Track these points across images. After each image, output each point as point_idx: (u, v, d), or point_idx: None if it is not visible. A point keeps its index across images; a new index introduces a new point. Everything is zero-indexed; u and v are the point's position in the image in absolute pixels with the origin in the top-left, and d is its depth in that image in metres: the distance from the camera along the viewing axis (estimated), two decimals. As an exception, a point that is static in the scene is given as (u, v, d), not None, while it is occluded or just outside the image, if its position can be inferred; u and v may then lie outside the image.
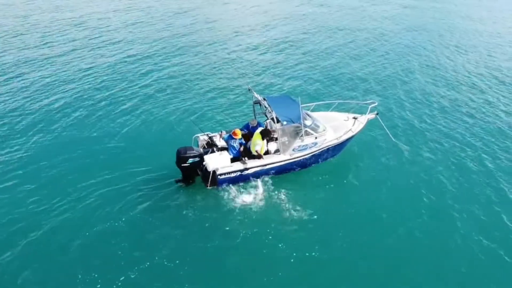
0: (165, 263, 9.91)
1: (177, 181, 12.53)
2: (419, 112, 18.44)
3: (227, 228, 11.08)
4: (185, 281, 9.50)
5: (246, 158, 12.26)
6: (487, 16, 37.63)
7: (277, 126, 12.22)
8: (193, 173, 12.50)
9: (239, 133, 12.15)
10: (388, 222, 11.61)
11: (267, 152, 12.91)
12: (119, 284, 9.31)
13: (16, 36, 25.91)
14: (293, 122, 12.16)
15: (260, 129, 12.51)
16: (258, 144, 12.28)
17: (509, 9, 40.79)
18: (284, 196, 12.32)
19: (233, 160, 12.28)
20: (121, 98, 18.35)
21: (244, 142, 12.35)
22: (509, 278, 10.13)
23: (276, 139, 12.61)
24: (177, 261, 9.97)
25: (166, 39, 26.81)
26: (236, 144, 12.24)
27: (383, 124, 14.62)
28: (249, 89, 13.11)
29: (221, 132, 13.06)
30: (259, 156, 12.38)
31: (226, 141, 12.57)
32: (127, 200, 11.82)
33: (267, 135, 12.45)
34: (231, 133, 12.40)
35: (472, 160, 14.74)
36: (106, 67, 21.81)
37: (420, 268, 10.21)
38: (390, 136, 14.72)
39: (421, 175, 13.74)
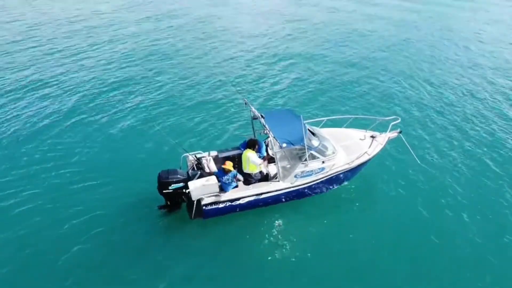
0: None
1: (159, 208, 10.86)
2: (451, 131, 15.88)
3: (211, 265, 9.43)
4: None
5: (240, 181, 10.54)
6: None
7: (275, 148, 10.27)
8: (178, 198, 10.79)
9: (230, 165, 10.20)
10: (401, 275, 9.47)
11: (266, 178, 11.02)
12: None
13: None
14: (293, 145, 10.17)
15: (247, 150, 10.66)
16: (251, 157, 10.42)
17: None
18: (279, 230, 10.47)
19: None
20: (104, 110, 16.48)
21: (236, 173, 10.38)
22: None
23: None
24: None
25: (156, 47, 24.51)
26: (230, 180, 10.30)
27: (407, 144, 12.37)
28: (245, 103, 11.18)
29: (209, 152, 11.29)
30: (262, 174, 10.75)
31: (218, 177, 10.52)
32: (101, 227, 10.29)
33: (254, 145, 10.63)
34: (220, 168, 10.34)
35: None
36: (87, 75, 19.84)
37: None
38: (416, 158, 12.44)
39: (452, 212, 11.43)
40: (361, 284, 9.15)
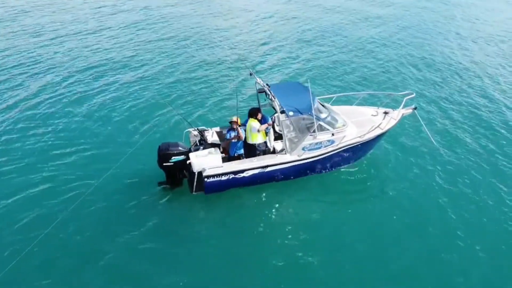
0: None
1: (160, 184, 10.31)
2: (471, 109, 15.08)
3: (211, 244, 8.78)
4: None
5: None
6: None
7: (281, 117, 9.69)
8: (179, 173, 10.23)
9: (238, 120, 9.99)
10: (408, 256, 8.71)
11: (273, 152, 10.45)
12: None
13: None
14: (301, 114, 9.58)
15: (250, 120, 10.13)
16: (252, 125, 9.91)
17: None
18: (283, 210, 9.82)
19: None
20: (104, 84, 16.13)
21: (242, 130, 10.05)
22: None
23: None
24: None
25: (157, 20, 24.38)
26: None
27: (422, 122, 11.66)
28: (250, 74, 10.70)
29: (212, 128, 10.80)
30: (267, 147, 10.28)
31: (228, 140, 10.23)
32: (98, 203, 9.74)
33: (255, 114, 10.08)
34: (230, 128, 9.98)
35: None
36: (88, 53, 19.50)
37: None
38: (430, 138, 11.71)
39: (467, 198, 10.50)
40: (366, 267, 8.40)
